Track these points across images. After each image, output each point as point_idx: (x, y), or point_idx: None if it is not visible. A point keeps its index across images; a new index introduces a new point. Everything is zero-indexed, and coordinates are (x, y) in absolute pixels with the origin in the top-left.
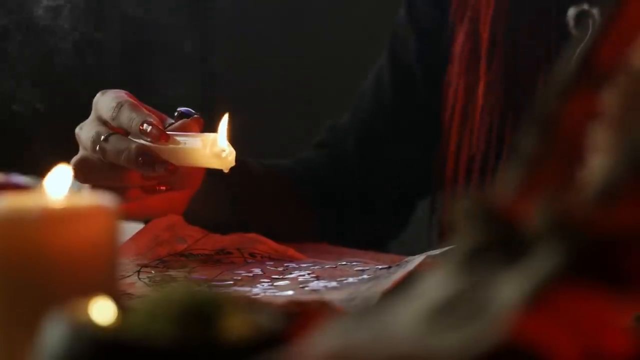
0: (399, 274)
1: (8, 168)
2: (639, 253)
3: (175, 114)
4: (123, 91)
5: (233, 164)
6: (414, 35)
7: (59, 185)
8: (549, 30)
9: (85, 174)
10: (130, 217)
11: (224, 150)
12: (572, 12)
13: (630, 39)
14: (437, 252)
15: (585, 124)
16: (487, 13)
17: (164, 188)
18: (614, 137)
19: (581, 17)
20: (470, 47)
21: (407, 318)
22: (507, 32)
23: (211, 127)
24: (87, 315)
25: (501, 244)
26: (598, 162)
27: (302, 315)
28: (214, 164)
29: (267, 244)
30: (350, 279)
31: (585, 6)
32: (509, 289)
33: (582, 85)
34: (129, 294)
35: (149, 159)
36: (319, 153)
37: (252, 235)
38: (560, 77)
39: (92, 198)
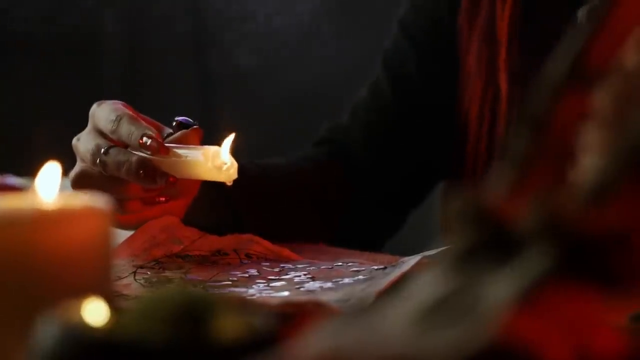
0: (394, 274)
1: (2, 169)
2: (630, 253)
3: (174, 123)
4: (120, 102)
5: (235, 176)
6: (411, 48)
7: (50, 184)
8: (564, 17)
9: (85, 187)
10: (128, 228)
11: (225, 164)
12: (581, 12)
13: (622, 39)
14: (433, 253)
15: (576, 124)
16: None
17: (163, 199)
18: (606, 137)
19: (592, 12)
20: (486, 41)
21: (398, 318)
22: (524, 16)
23: (210, 139)
24: (79, 316)
25: (492, 244)
26: (589, 162)
27: (296, 316)
28: (216, 177)
29: (262, 245)
30: (346, 280)
31: (597, 1)
32: (500, 289)
33: (573, 85)
34: (124, 295)
35: (150, 172)
36: (317, 151)
37: (248, 236)
38: (551, 77)
39: (85, 199)
